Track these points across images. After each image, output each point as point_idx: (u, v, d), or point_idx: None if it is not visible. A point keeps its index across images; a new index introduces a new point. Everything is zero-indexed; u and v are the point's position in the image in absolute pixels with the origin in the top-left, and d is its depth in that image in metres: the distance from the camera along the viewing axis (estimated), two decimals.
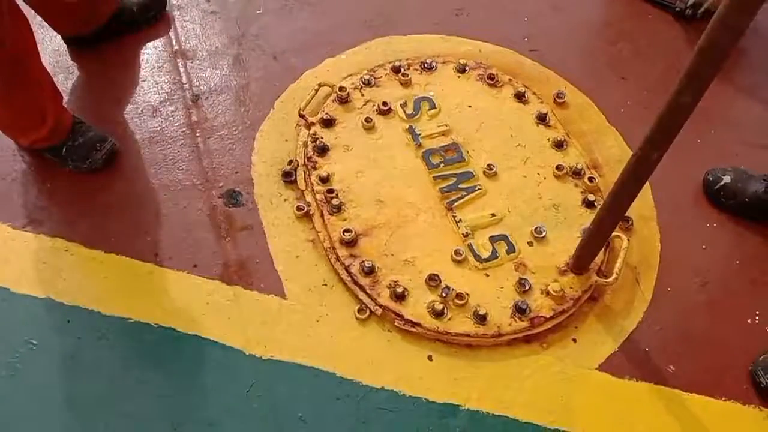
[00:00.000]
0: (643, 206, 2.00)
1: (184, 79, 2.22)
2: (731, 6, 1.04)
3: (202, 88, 2.20)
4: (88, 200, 1.92)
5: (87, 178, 1.95)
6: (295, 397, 1.62)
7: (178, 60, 2.26)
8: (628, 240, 1.87)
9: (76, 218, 1.88)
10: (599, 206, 1.93)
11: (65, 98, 2.06)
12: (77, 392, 1.62)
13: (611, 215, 1.59)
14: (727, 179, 2.02)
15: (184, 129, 2.09)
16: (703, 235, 2.00)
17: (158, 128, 2.08)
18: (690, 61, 1.14)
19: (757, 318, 1.85)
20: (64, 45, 2.23)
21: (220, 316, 1.73)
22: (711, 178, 2.05)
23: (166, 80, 2.21)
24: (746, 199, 1.99)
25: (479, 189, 1.98)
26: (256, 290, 1.78)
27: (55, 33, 2.20)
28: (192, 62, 2.25)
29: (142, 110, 2.12)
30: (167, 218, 1.89)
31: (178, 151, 2.04)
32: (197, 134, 2.08)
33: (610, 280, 1.77)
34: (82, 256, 1.82)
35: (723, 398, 1.72)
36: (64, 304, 1.73)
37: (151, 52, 2.28)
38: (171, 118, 2.11)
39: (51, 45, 2.24)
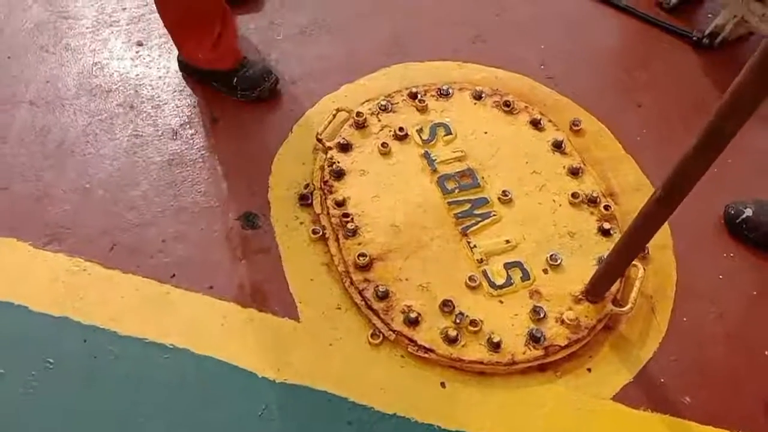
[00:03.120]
0: (659, 235, 1.96)
1: (203, 103, 2.26)
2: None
3: (221, 111, 2.23)
4: (110, 219, 1.94)
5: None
6: (307, 421, 1.62)
7: (198, 83, 2.30)
8: (644, 269, 1.86)
9: (96, 237, 1.90)
10: (615, 234, 1.95)
11: None
12: (93, 412, 1.62)
13: (631, 248, 1.59)
14: (749, 212, 2.01)
15: (203, 152, 2.12)
16: (720, 266, 1.98)
17: (178, 151, 2.11)
18: (725, 98, 1.13)
19: None
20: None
21: (234, 338, 1.74)
22: (732, 212, 2.04)
23: (187, 103, 2.24)
24: None
25: (494, 215, 1.99)
26: (271, 313, 1.79)
27: None
28: (213, 85, 2.28)
29: (162, 133, 2.16)
30: (185, 239, 1.92)
31: (197, 174, 2.06)
32: (216, 157, 2.10)
33: (626, 309, 1.77)
34: (100, 276, 1.84)
35: (739, 431, 1.69)
36: (81, 323, 1.75)
37: (173, 76, 2.32)
38: (191, 141, 2.14)
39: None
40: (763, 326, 1.88)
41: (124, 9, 2.53)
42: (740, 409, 1.73)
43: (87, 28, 2.47)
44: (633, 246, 1.58)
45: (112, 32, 2.46)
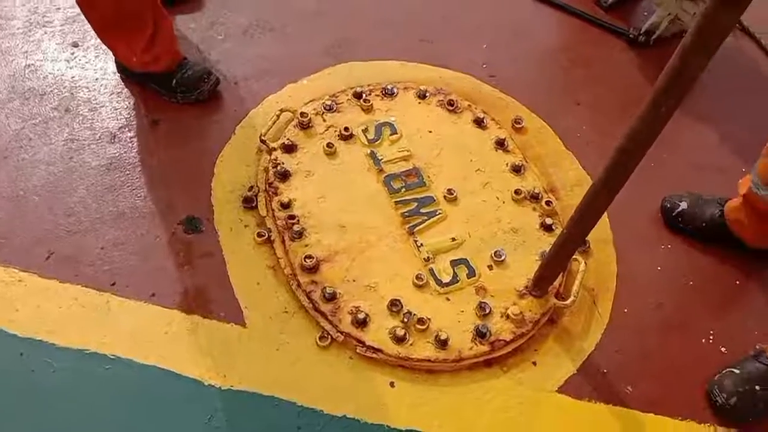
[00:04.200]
0: (599, 229, 2.02)
1: (143, 105, 2.20)
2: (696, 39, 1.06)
3: (161, 113, 2.18)
4: (46, 227, 1.88)
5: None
6: (255, 428, 1.60)
7: (136, 85, 2.24)
8: (585, 263, 1.90)
9: (31, 247, 1.84)
10: (557, 229, 1.99)
11: None
12: (32, 427, 1.57)
13: (571, 243, 1.62)
14: (684, 205, 2.08)
15: (143, 155, 2.07)
16: (658, 258, 2.04)
17: (116, 155, 2.06)
18: (655, 88, 1.17)
19: (711, 338, 1.89)
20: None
21: (179, 346, 1.70)
22: (668, 205, 2.11)
23: (125, 106, 2.19)
24: (703, 224, 2.04)
25: (440, 213, 2.00)
26: (216, 319, 1.76)
27: None
28: (151, 86, 2.23)
29: (100, 136, 2.10)
30: (125, 246, 1.87)
31: (137, 178, 2.01)
32: (156, 160, 2.06)
33: (568, 302, 1.80)
34: (37, 286, 1.78)
35: (679, 418, 1.75)
36: (18, 336, 1.69)
37: (110, 78, 2.26)
38: (130, 144, 2.09)
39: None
40: (700, 315, 1.94)
41: (58, 9, 2.45)
42: (680, 396, 1.78)
43: (18, 29, 2.38)
44: (574, 239, 1.61)
45: (46, 33, 2.38)
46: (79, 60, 2.31)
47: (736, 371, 1.75)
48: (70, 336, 1.70)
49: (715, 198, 2.07)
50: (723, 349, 1.87)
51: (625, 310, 1.91)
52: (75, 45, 2.35)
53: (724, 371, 1.77)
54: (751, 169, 1.86)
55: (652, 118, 1.19)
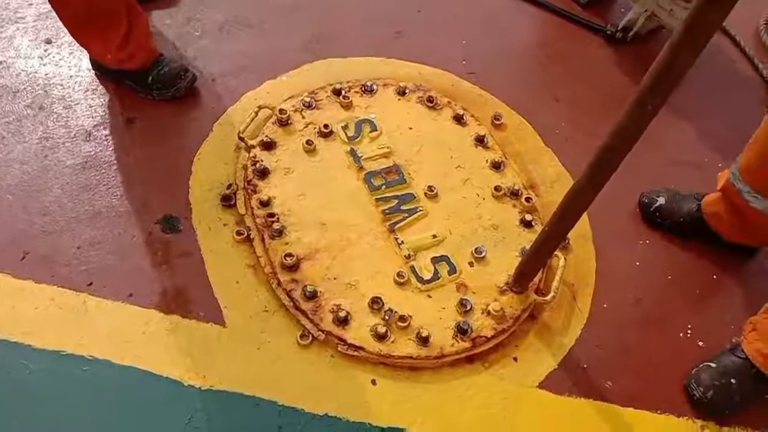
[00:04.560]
0: (579, 225, 2.02)
1: (118, 102, 2.17)
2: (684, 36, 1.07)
3: (137, 110, 2.15)
4: (20, 227, 1.84)
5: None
6: (236, 428, 1.59)
7: (112, 82, 2.21)
8: (565, 259, 1.92)
9: (5, 247, 1.80)
10: (537, 226, 1.99)
11: None
12: (7, 428, 1.54)
13: (552, 239, 1.63)
14: (661, 200, 2.10)
15: (119, 153, 2.03)
16: (637, 253, 2.06)
17: (92, 153, 2.02)
18: (641, 86, 1.17)
19: (689, 332, 1.92)
20: None
21: (157, 347, 1.68)
22: (646, 201, 2.13)
23: (100, 103, 2.15)
24: (681, 219, 2.07)
25: (420, 210, 2.00)
26: (195, 319, 1.74)
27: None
28: (127, 84, 2.19)
29: (75, 134, 2.06)
30: (102, 245, 1.84)
31: (113, 176, 1.98)
32: (132, 159, 2.03)
33: (548, 298, 1.82)
34: (11, 287, 1.74)
35: (658, 411, 1.77)
36: None
37: (85, 75, 2.22)
38: (105, 142, 2.06)
39: None
40: (678, 310, 1.96)
41: (30, 5, 2.40)
42: (659, 390, 1.80)
43: None
44: (555, 235, 1.62)
45: (18, 29, 2.33)
46: (53, 57, 2.27)
47: (713, 365, 1.78)
48: (47, 337, 1.67)
49: (692, 193, 2.10)
50: (701, 343, 1.90)
51: (605, 306, 1.93)
52: (48, 41, 2.31)
53: (701, 365, 1.79)
54: (733, 162, 1.88)
55: (638, 115, 1.20)
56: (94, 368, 1.64)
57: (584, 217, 2.05)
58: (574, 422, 1.72)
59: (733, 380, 1.74)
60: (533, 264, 1.76)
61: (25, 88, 2.17)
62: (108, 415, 1.58)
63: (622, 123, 1.24)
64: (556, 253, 1.84)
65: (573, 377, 1.79)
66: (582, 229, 2.06)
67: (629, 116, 1.22)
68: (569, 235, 1.98)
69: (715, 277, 2.05)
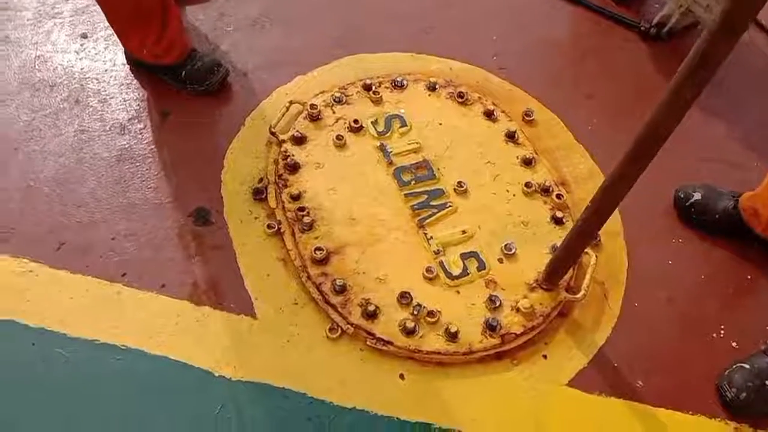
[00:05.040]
0: (610, 222, 2.00)
1: (152, 96, 2.20)
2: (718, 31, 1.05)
3: (171, 104, 2.18)
4: (56, 218, 1.88)
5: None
6: (265, 419, 1.60)
7: (146, 76, 2.24)
8: (596, 256, 1.90)
9: (42, 237, 1.84)
10: (568, 223, 1.98)
11: None
12: (43, 416, 1.57)
13: (583, 236, 1.62)
14: (697, 196, 2.06)
15: (152, 147, 2.07)
16: (669, 251, 2.03)
17: (126, 146, 2.06)
18: (672, 84, 1.16)
19: (722, 332, 1.89)
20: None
21: (189, 337, 1.70)
22: (682, 195, 2.09)
23: (135, 97, 2.19)
24: (716, 216, 2.03)
25: (450, 206, 2.00)
26: (226, 310, 1.76)
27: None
28: (161, 78, 2.22)
29: (110, 127, 2.10)
30: (135, 237, 1.87)
31: (147, 169, 2.01)
32: (166, 152, 2.06)
33: (579, 296, 1.80)
34: (48, 277, 1.78)
35: (690, 412, 1.74)
36: (29, 326, 1.69)
37: (120, 69, 2.26)
38: (140, 136, 2.09)
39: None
40: (711, 310, 1.93)
41: (67, 1, 2.44)
42: (691, 391, 1.78)
43: (28, 20, 2.38)
44: (588, 232, 1.61)
45: (55, 24, 2.38)
46: (89, 51, 2.31)
47: (746, 366, 1.75)
48: (82, 326, 1.70)
49: (730, 191, 2.06)
50: (734, 344, 1.86)
51: (636, 304, 1.90)
52: (84, 36, 2.35)
53: (733, 366, 1.77)
54: None
55: (675, 104, 1.18)
56: (126, 357, 1.66)
57: (615, 213, 2.03)
58: (604, 421, 1.70)
59: (767, 381, 1.70)
60: (564, 261, 1.75)
61: (61, 82, 2.21)
62: (140, 404, 1.61)
63: (658, 112, 1.22)
64: (587, 250, 1.82)
65: (603, 376, 1.77)
66: (613, 226, 2.03)
67: (668, 105, 1.19)
68: (600, 233, 1.97)
69: (749, 277, 2.01)
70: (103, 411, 1.59)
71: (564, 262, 1.75)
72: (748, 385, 1.71)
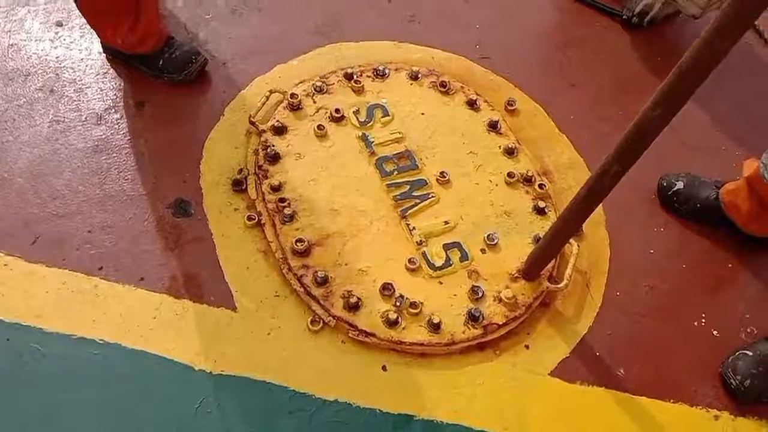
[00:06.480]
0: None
1: (129, 85, 2.16)
2: (717, 29, 1.04)
3: (148, 94, 2.14)
4: (31, 210, 1.84)
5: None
6: (247, 413, 1.59)
7: (123, 65, 2.20)
8: (578, 246, 1.89)
9: (17, 230, 1.80)
10: (550, 213, 1.97)
11: None
12: (20, 412, 1.55)
13: (568, 227, 1.61)
14: (680, 185, 2.07)
15: (130, 137, 2.03)
16: (651, 240, 2.04)
17: (103, 136, 2.02)
18: (668, 80, 1.15)
19: (703, 321, 1.90)
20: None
21: (168, 331, 1.68)
22: (665, 184, 2.10)
23: (111, 87, 2.14)
24: (698, 205, 2.04)
25: (432, 197, 1.98)
26: (206, 303, 1.74)
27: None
28: (138, 67, 2.18)
29: (86, 118, 2.06)
30: (113, 229, 1.84)
31: (124, 160, 1.98)
32: (143, 142, 2.02)
33: (561, 285, 1.79)
34: (23, 270, 1.74)
35: (671, 400, 1.75)
36: (4, 321, 1.66)
37: (96, 58, 2.21)
38: (116, 126, 2.05)
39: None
40: (692, 298, 1.94)
41: None
42: (672, 379, 1.79)
43: (1, 7, 2.33)
44: (572, 224, 1.60)
45: (29, 12, 2.32)
46: (64, 40, 2.26)
47: (749, 353, 1.76)
48: (58, 321, 1.67)
49: (712, 181, 2.07)
50: (715, 332, 1.88)
51: (618, 293, 1.91)
52: (59, 24, 2.30)
53: (737, 353, 1.78)
54: (764, 153, 1.83)
55: (676, 92, 1.17)
56: (104, 352, 1.64)
57: None
58: (586, 410, 1.70)
59: None
60: (547, 253, 1.74)
61: (36, 71, 2.16)
62: (119, 399, 1.59)
63: (657, 99, 1.21)
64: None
65: (585, 365, 1.77)
66: (595, 215, 2.01)
67: (670, 91, 1.18)
68: None
69: (730, 265, 2.02)
70: (81, 407, 1.56)
71: (547, 252, 1.75)
72: (752, 372, 1.72)
